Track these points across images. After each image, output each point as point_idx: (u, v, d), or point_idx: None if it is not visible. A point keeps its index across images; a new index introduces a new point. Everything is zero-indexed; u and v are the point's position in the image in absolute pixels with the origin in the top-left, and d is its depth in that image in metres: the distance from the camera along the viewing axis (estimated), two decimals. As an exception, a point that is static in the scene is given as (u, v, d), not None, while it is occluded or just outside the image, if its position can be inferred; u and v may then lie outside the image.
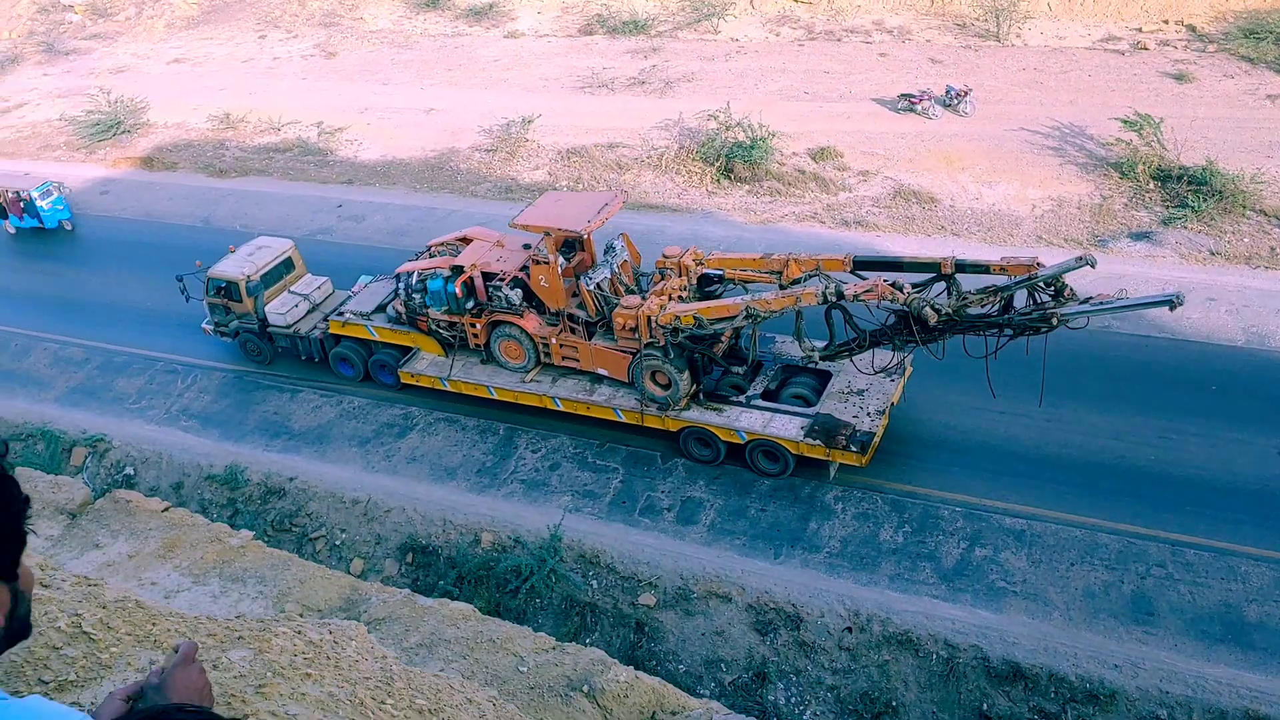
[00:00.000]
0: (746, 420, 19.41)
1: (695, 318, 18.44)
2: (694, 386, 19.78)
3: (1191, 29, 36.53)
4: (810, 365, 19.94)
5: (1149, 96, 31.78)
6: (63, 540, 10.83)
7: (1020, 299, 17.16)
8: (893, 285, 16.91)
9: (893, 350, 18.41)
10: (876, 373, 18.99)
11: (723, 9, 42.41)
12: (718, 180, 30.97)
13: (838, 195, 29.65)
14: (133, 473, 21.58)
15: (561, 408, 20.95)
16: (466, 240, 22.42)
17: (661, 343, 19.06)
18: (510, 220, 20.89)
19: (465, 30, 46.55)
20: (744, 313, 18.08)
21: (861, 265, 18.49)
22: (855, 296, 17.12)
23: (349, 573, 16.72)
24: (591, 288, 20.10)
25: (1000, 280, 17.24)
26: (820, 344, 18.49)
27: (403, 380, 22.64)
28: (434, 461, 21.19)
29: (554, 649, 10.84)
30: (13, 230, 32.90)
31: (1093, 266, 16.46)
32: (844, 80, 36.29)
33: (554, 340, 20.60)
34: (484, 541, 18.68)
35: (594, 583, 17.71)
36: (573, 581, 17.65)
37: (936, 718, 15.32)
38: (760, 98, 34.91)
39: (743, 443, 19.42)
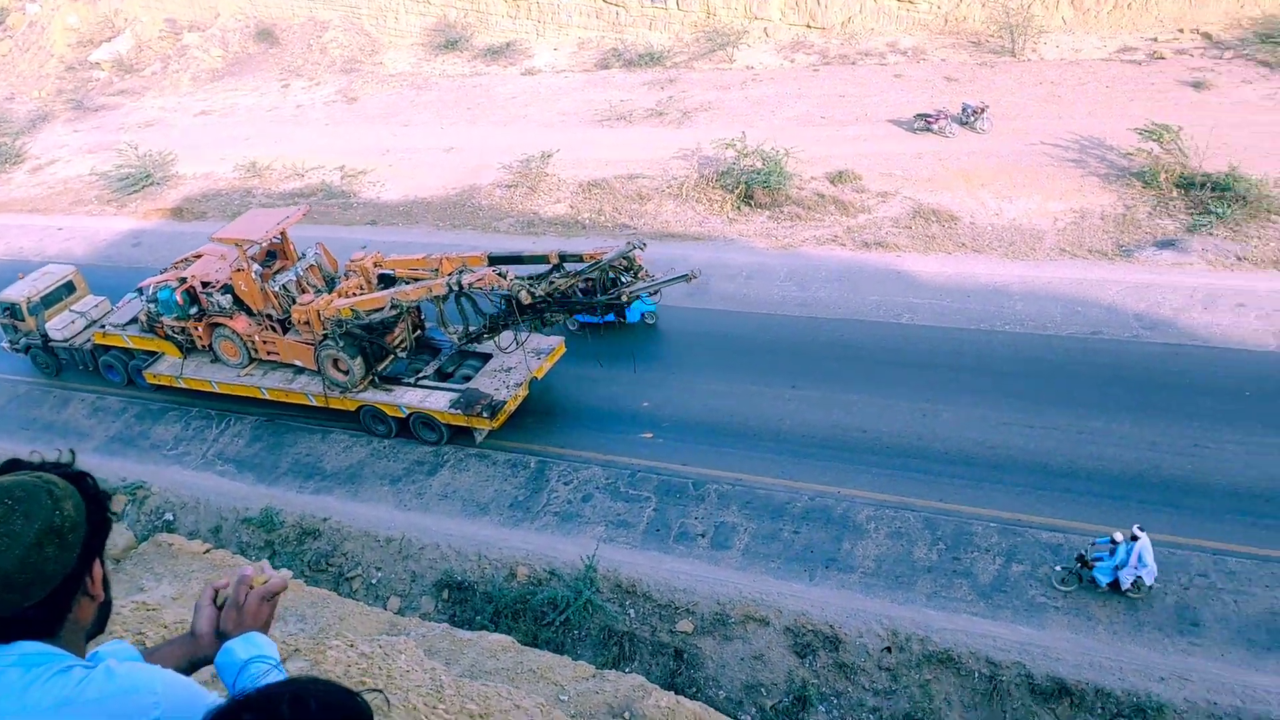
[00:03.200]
0: (409, 397, 22.42)
1: (352, 310, 21.35)
2: (369, 371, 22.66)
3: (1207, 37, 36.49)
4: (468, 349, 22.88)
5: (1168, 105, 31.73)
6: (105, 585, 11.01)
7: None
8: (499, 274, 19.68)
9: (514, 331, 21.02)
10: (505, 351, 21.89)
11: (737, 38, 42.72)
12: (738, 207, 31.09)
13: (857, 217, 29.69)
14: (172, 518, 21.78)
15: (268, 396, 23.87)
16: (200, 255, 25.15)
17: (330, 334, 21.87)
18: (210, 235, 24.15)
19: (483, 70, 47.11)
20: (389, 304, 20.92)
21: (496, 260, 21.15)
22: (471, 285, 19.99)
23: (386, 610, 16.80)
24: (277, 289, 22.88)
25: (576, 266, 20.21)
26: (460, 328, 21.38)
27: (148, 380, 25.39)
28: (466, 497, 21.28)
29: (594, 677, 10.87)
30: (575, 327, 25.00)
31: (642, 249, 19.71)
32: (860, 103, 36.44)
33: (258, 338, 23.55)
34: (519, 575, 18.70)
35: (631, 612, 17.68)
36: (609, 612, 17.64)
37: (981, 737, 15.18)
38: (777, 124, 35.10)
39: (404, 416, 22.43)
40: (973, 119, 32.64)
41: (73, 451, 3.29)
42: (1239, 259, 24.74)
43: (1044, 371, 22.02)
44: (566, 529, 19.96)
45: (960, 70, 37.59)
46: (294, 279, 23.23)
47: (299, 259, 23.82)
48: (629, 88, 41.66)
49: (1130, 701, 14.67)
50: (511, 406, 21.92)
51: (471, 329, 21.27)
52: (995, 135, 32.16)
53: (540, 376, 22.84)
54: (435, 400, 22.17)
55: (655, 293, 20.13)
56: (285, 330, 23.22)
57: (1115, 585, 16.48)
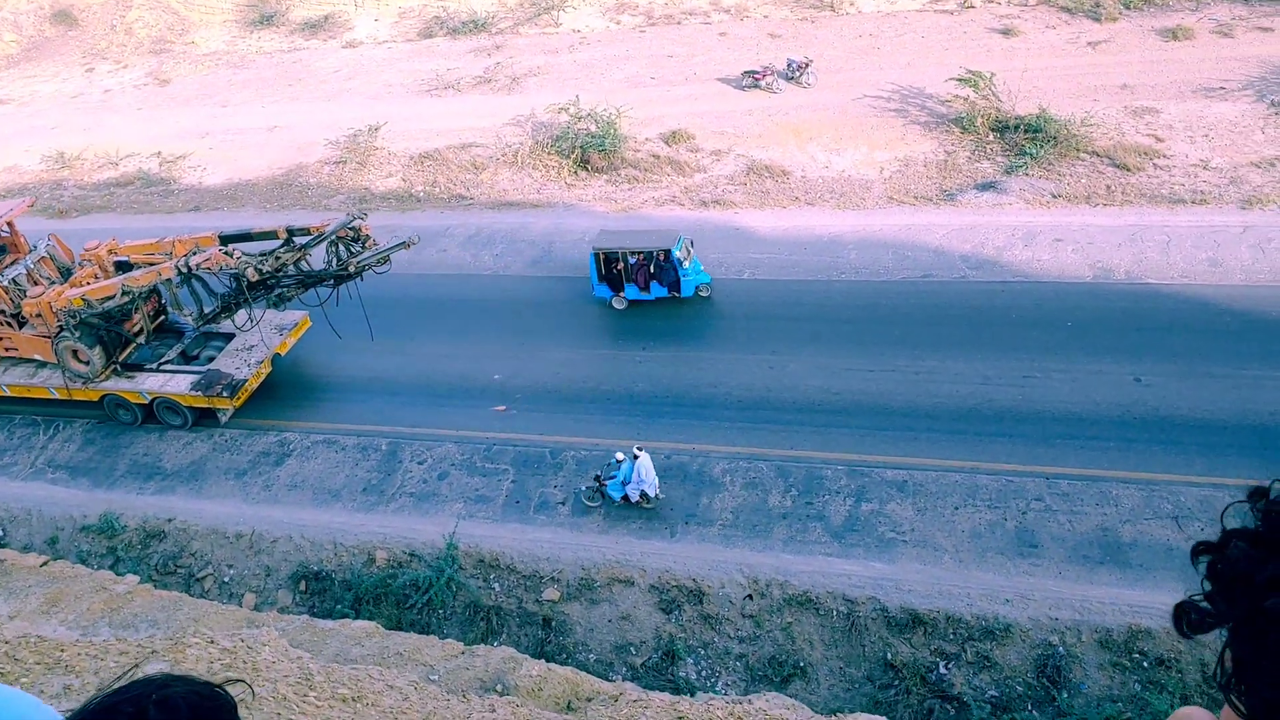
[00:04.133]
0: (151, 383, 22.38)
1: (83, 299, 21.09)
2: (110, 359, 22.48)
3: (1012, -15, 37.96)
4: (211, 330, 22.90)
5: (980, 53, 32.98)
6: (-69, 611, 10.31)
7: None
8: (225, 253, 19.83)
9: (248, 309, 21.05)
10: (242, 329, 22.21)
11: (561, 2, 42.37)
12: (575, 172, 30.99)
13: (693, 177, 29.98)
14: (2, 534, 20.59)
15: (9, 393, 23.49)
16: None
17: (65, 325, 21.54)
18: None
19: (302, 44, 45.55)
20: (120, 291, 20.84)
21: (228, 239, 21.14)
22: (199, 266, 20.04)
23: (242, 608, 16.30)
24: (6, 283, 22.50)
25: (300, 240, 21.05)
26: (195, 310, 21.33)
27: None
28: (316, 485, 20.74)
29: (464, 653, 10.79)
30: (623, 305, 24.49)
31: (363, 219, 20.38)
32: (688, 63, 36.68)
33: None
34: (378, 560, 18.38)
35: (496, 585, 17.61)
36: (473, 588, 17.53)
37: (844, 673, 15.69)
38: (608, 87, 35.05)
39: (147, 402, 22.36)
40: (798, 74, 33.25)
41: None
42: (1054, 196, 25.99)
43: (880, 317, 22.75)
44: (424, 509, 19.68)
45: (783, 26, 38.21)
46: (24, 272, 22.72)
47: (30, 251, 23.30)
48: (455, 56, 40.94)
49: (980, 625, 15.41)
50: (253, 384, 22.29)
51: (206, 310, 21.20)
52: (820, 89, 32.85)
53: (284, 352, 23.11)
54: (176, 384, 22.22)
55: (384, 260, 20.41)
56: (21, 325, 22.68)
57: (626, 499, 18.22)
